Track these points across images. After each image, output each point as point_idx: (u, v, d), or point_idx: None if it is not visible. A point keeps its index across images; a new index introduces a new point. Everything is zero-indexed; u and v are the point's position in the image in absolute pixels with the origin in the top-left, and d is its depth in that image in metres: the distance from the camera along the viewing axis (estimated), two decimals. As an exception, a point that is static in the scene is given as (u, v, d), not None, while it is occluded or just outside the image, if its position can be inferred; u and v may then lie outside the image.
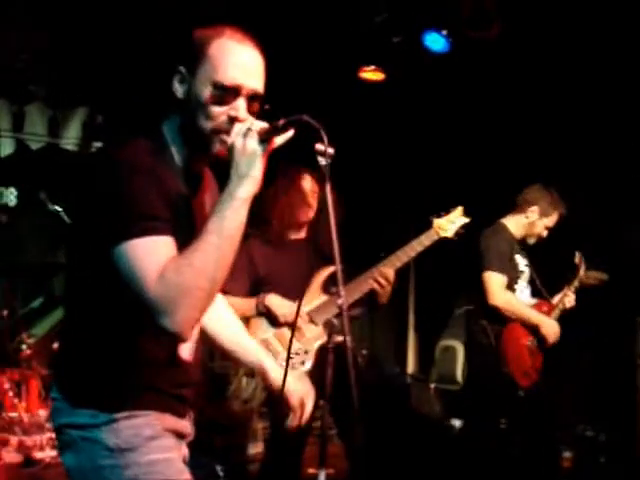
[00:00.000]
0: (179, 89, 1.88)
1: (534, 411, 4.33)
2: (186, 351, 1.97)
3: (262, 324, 3.69)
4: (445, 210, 3.79)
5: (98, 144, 6.59)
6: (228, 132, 1.80)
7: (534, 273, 4.54)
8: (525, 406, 4.31)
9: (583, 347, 5.56)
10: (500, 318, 4.31)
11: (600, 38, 5.11)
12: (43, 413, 5.05)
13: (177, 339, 1.78)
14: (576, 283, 4.53)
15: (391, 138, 6.80)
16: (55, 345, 5.05)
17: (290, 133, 1.81)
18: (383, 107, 6.41)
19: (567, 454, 5.21)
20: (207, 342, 2.19)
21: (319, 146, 1.77)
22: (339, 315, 2.81)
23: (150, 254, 1.69)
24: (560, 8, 4.96)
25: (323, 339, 3.52)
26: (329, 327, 3.43)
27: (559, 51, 5.33)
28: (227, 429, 4.97)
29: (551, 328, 4.38)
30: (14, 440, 4.75)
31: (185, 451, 2.05)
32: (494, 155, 6.31)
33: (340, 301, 1.82)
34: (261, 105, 1.89)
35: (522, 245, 4.53)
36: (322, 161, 1.78)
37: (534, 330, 4.37)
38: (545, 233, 4.50)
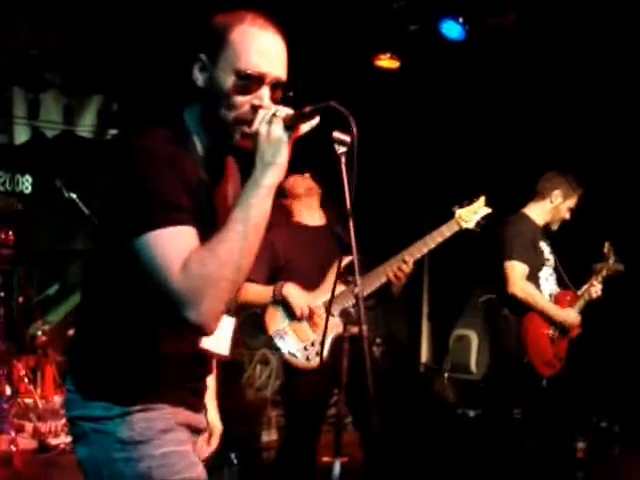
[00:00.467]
0: (199, 77, 1.82)
1: (555, 401, 4.33)
2: (207, 343, 1.93)
3: (278, 314, 3.69)
4: (467, 199, 3.73)
5: (113, 131, 6.61)
6: (251, 122, 1.74)
7: (558, 262, 4.53)
8: (546, 396, 4.31)
9: (597, 337, 5.53)
10: (520, 308, 4.30)
11: (617, 25, 5.07)
12: (58, 399, 5.09)
13: (200, 331, 1.73)
14: (604, 273, 4.52)
15: (406, 127, 6.77)
16: (70, 332, 5.08)
17: (316, 120, 1.74)
18: (399, 95, 6.38)
19: (581, 445, 5.20)
20: None
21: (337, 134, 1.70)
22: (355, 305, 2.80)
23: (173, 245, 1.65)
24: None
25: (339, 329, 3.51)
26: (345, 316, 3.42)
27: (576, 38, 5.28)
28: (241, 417, 4.99)
29: (569, 320, 4.37)
30: (29, 426, 4.80)
31: (200, 445, 2.05)
32: (509, 143, 6.26)
33: (357, 290, 1.78)
34: (284, 92, 1.82)
35: (546, 233, 4.53)
36: (340, 149, 1.71)
37: (553, 321, 4.36)
38: (568, 215, 4.52)
